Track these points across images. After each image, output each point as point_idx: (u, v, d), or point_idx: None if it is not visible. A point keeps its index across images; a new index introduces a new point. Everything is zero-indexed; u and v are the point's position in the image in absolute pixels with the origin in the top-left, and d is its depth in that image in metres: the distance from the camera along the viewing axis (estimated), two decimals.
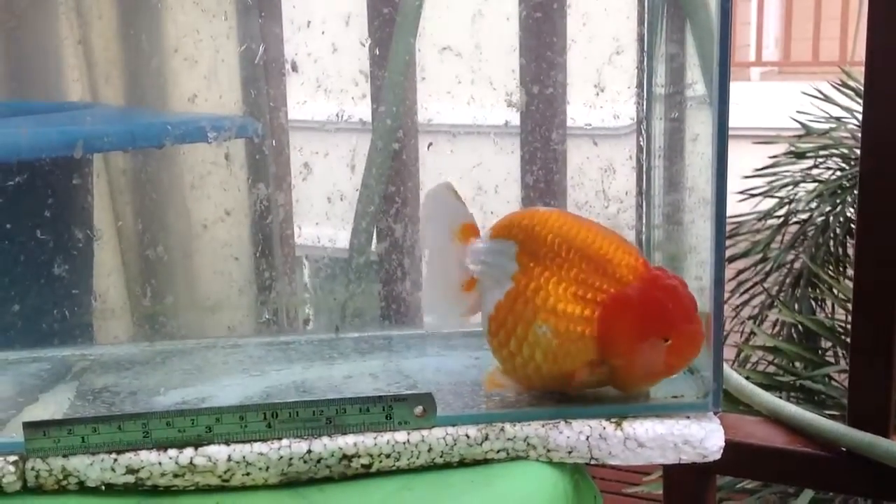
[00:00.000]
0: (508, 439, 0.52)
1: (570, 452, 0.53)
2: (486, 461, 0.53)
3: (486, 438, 0.52)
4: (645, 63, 0.64)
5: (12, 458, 0.50)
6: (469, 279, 0.57)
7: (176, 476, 0.51)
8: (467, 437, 0.52)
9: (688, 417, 0.53)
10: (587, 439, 0.52)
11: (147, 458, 0.51)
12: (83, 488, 0.51)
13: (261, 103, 0.65)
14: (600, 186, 0.65)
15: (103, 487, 0.51)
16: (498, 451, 0.53)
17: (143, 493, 0.51)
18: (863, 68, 0.63)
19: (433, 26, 0.64)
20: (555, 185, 0.66)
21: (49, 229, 0.63)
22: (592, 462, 0.53)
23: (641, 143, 0.65)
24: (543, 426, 0.53)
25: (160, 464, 0.50)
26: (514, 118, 0.65)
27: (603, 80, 0.64)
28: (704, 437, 0.53)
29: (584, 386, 0.54)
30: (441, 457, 0.52)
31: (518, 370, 0.54)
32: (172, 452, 0.51)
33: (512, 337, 0.53)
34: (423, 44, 0.65)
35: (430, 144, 0.66)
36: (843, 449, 0.67)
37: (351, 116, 0.65)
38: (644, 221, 0.66)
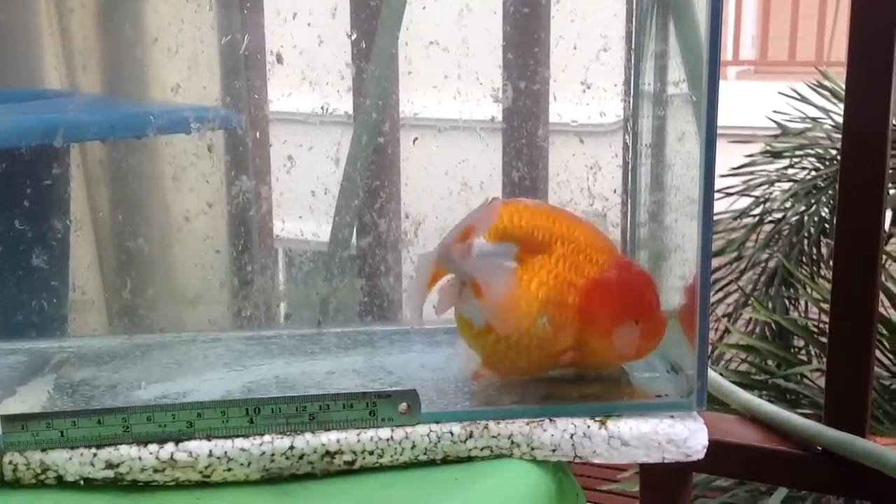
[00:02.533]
0: (492, 437, 0.52)
1: (553, 451, 0.53)
2: (469, 459, 0.53)
3: (471, 436, 0.52)
4: (632, 60, 0.63)
5: None
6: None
7: (156, 471, 0.50)
8: (451, 434, 0.52)
9: (672, 416, 0.53)
10: (571, 437, 0.52)
11: (127, 452, 0.50)
12: (62, 483, 0.50)
13: (244, 95, 0.65)
14: (585, 184, 0.65)
15: (82, 482, 0.50)
16: (482, 449, 0.52)
17: (122, 488, 0.50)
18: (839, 69, 0.63)
19: (420, 20, 0.64)
20: (539, 181, 0.66)
21: (26, 219, 0.62)
22: (576, 460, 0.53)
23: (627, 141, 0.65)
24: (528, 424, 0.53)
25: (140, 458, 0.50)
26: (501, 114, 0.65)
27: (590, 76, 0.64)
28: (688, 437, 0.53)
29: (558, 367, 0.55)
30: (425, 454, 0.52)
31: (507, 362, 0.55)
32: (153, 447, 0.50)
33: (513, 332, 0.53)
34: (409, 38, 0.64)
35: (416, 139, 0.66)
36: (819, 448, 0.68)
37: (336, 109, 0.64)
38: (629, 219, 0.66)
